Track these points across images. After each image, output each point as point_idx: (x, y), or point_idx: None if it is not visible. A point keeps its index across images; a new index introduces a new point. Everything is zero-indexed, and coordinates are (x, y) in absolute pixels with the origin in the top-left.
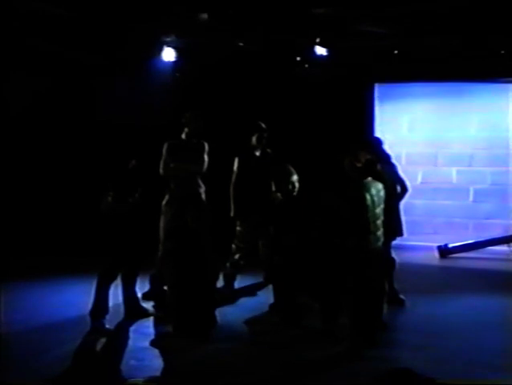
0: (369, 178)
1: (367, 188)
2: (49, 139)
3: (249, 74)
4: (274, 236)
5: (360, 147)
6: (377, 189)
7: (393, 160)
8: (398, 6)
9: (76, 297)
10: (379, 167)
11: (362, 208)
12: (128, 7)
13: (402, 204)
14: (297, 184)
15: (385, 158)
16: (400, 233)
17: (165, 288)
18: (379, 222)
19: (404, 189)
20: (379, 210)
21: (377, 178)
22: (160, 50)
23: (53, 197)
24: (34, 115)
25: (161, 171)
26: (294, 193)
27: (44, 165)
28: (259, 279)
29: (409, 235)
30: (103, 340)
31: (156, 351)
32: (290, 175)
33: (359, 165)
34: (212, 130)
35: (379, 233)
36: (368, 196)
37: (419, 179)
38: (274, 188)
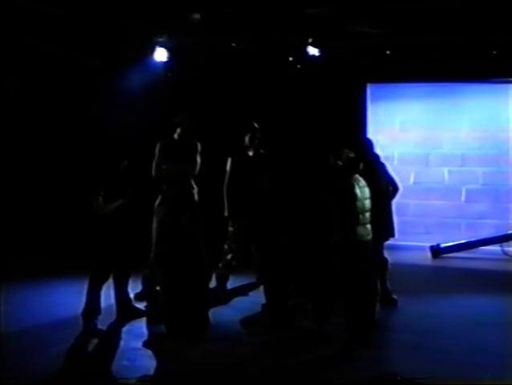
0: (355, 175)
1: (355, 180)
2: (44, 139)
3: (241, 75)
4: (268, 237)
5: (343, 145)
6: (363, 184)
7: (382, 160)
8: (391, 6)
9: (69, 298)
10: (361, 165)
11: (351, 197)
12: (122, 7)
13: (394, 204)
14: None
15: (375, 158)
16: (392, 234)
17: (158, 288)
18: (367, 215)
19: (395, 189)
20: (367, 202)
21: (361, 175)
22: (153, 50)
23: (47, 198)
24: (28, 115)
25: (153, 173)
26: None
27: (40, 166)
28: (252, 279)
29: (401, 235)
30: (95, 340)
31: (148, 352)
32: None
33: (341, 163)
34: (205, 130)
35: (369, 226)
36: (357, 187)
37: (411, 179)
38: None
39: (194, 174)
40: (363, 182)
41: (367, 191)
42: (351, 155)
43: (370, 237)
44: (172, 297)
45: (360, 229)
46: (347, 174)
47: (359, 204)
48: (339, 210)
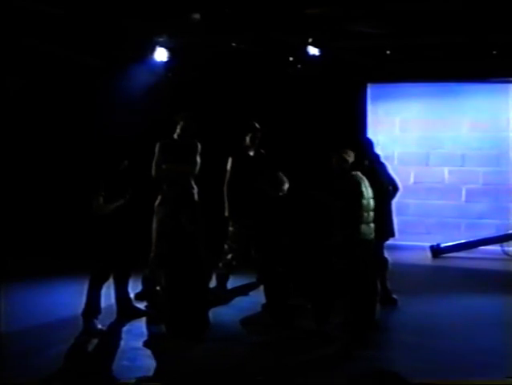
0: (358, 172)
1: (360, 179)
2: (44, 140)
3: (242, 74)
4: (268, 237)
5: (348, 145)
6: (367, 184)
7: (383, 160)
8: (391, 6)
9: (69, 298)
10: (366, 162)
11: (357, 195)
12: (122, 7)
13: (394, 204)
14: (286, 192)
15: (375, 158)
16: (392, 234)
17: (158, 288)
18: (371, 214)
19: (396, 188)
20: (371, 202)
21: (365, 174)
22: (153, 50)
23: (48, 198)
24: (29, 115)
25: (153, 173)
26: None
27: (40, 166)
28: (252, 279)
29: (402, 235)
30: (95, 340)
31: (148, 352)
32: (282, 183)
33: (350, 160)
34: (205, 130)
35: (372, 225)
36: (363, 186)
37: (411, 179)
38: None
39: (194, 174)
40: (367, 182)
41: (370, 191)
42: (355, 155)
43: (373, 236)
44: (172, 297)
45: (364, 228)
46: (350, 173)
47: (364, 202)
48: (339, 210)
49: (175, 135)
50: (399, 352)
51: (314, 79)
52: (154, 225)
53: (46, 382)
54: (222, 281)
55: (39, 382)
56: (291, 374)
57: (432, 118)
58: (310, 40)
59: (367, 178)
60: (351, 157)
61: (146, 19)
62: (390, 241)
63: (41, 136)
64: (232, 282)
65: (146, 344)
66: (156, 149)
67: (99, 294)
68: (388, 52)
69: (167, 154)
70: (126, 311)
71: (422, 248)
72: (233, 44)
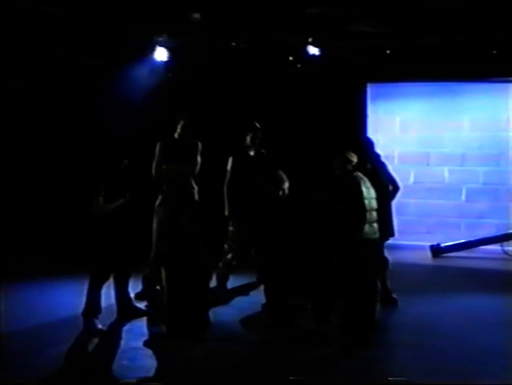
0: (359, 173)
1: (361, 179)
2: (44, 140)
3: (242, 74)
4: (268, 237)
5: (351, 147)
6: (369, 185)
7: (383, 160)
8: (391, 6)
9: (69, 298)
10: (369, 166)
11: (358, 195)
12: (122, 7)
13: (395, 203)
14: (287, 192)
15: (375, 158)
16: (392, 234)
17: (158, 288)
18: (374, 214)
19: (396, 188)
20: (373, 202)
21: (367, 175)
22: (153, 50)
23: (48, 198)
24: (29, 115)
25: (153, 172)
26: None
27: (40, 166)
28: (252, 279)
29: (402, 234)
30: (95, 340)
31: (149, 351)
32: (282, 182)
33: (353, 162)
34: (205, 130)
35: (376, 225)
36: (363, 186)
37: (411, 178)
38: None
39: (194, 174)
40: (368, 182)
41: (372, 191)
42: (358, 157)
43: (377, 235)
44: (173, 296)
45: (367, 228)
46: (351, 174)
47: (365, 202)
48: (339, 210)
49: (175, 135)
50: (399, 352)
51: (314, 78)
52: (154, 225)
53: (46, 382)
54: (222, 281)
55: (39, 382)
56: (291, 374)
57: (432, 118)
58: (310, 40)
59: (369, 179)
60: (354, 158)
61: (146, 19)
62: (390, 241)
63: (41, 136)
64: (232, 282)
65: (146, 344)
66: (157, 149)
67: (100, 294)
68: (388, 52)
69: (167, 154)
70: (126, 311)
71: (422, 247)
72: (233, 44)
